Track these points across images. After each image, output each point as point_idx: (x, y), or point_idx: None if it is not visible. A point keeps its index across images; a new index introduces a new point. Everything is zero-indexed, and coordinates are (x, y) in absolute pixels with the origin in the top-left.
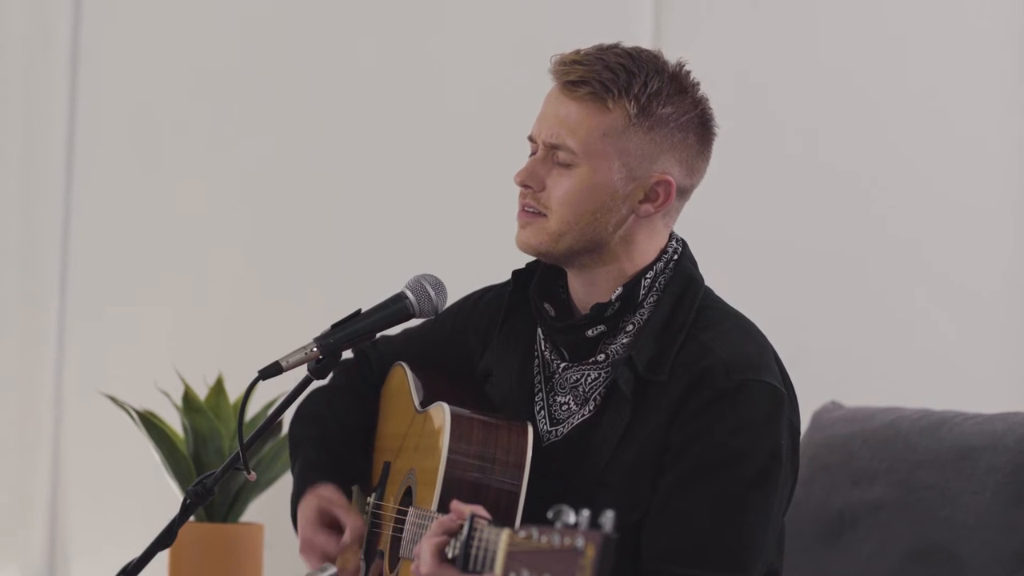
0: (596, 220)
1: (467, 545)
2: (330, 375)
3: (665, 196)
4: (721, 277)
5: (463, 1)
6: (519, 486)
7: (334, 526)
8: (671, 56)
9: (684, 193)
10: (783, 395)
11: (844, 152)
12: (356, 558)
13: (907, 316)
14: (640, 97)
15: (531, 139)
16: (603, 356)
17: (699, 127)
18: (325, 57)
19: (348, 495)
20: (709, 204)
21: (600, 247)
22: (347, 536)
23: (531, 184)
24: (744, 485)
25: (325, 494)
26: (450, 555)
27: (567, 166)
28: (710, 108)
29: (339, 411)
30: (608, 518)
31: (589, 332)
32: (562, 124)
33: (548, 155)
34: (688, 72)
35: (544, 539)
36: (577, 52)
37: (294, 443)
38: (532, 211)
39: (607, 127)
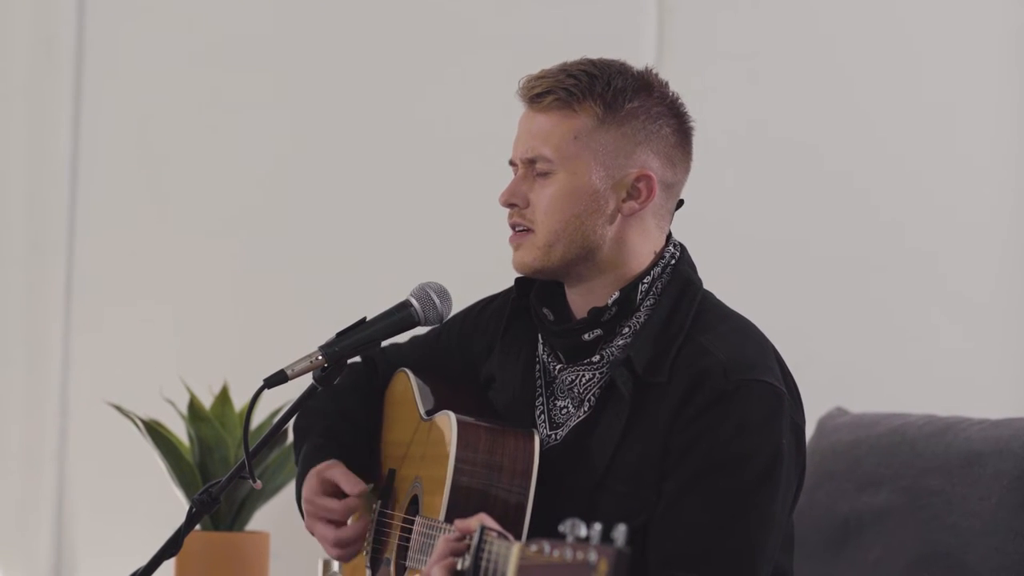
0: (583, 223)
1: (477, 558)
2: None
3: (648, 191)
4: (727, 283)
5: (468, 12)
6: (526, 494)
7: (338, 494)
8: (679, 65)
9: (669, 188)
10: (783, 394)
11: (850, 160)
12: (365, 519)
13: (912, 322)
14: (605, 95)
15: (511, 163)
16: (598, 357)
17: (672, 119)
18: (330, 65)
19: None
20: (715, 210)
21: (593, 253)
22: (350, 496)
23: (515, 201)
24: (747, 487)
25: (326, 468)
26: (459, 567)
27: (546, 175)
28: (682, 105)
29: (346, 408)
30: (620, 532)
31: (585, 336)
32: (534, 136)
33: (527, 171)
34: (656, 74)
35: (556, 553)
36: (541, 71)
37: (300, 434)
38: (521, 229)
39: (577, 129)
